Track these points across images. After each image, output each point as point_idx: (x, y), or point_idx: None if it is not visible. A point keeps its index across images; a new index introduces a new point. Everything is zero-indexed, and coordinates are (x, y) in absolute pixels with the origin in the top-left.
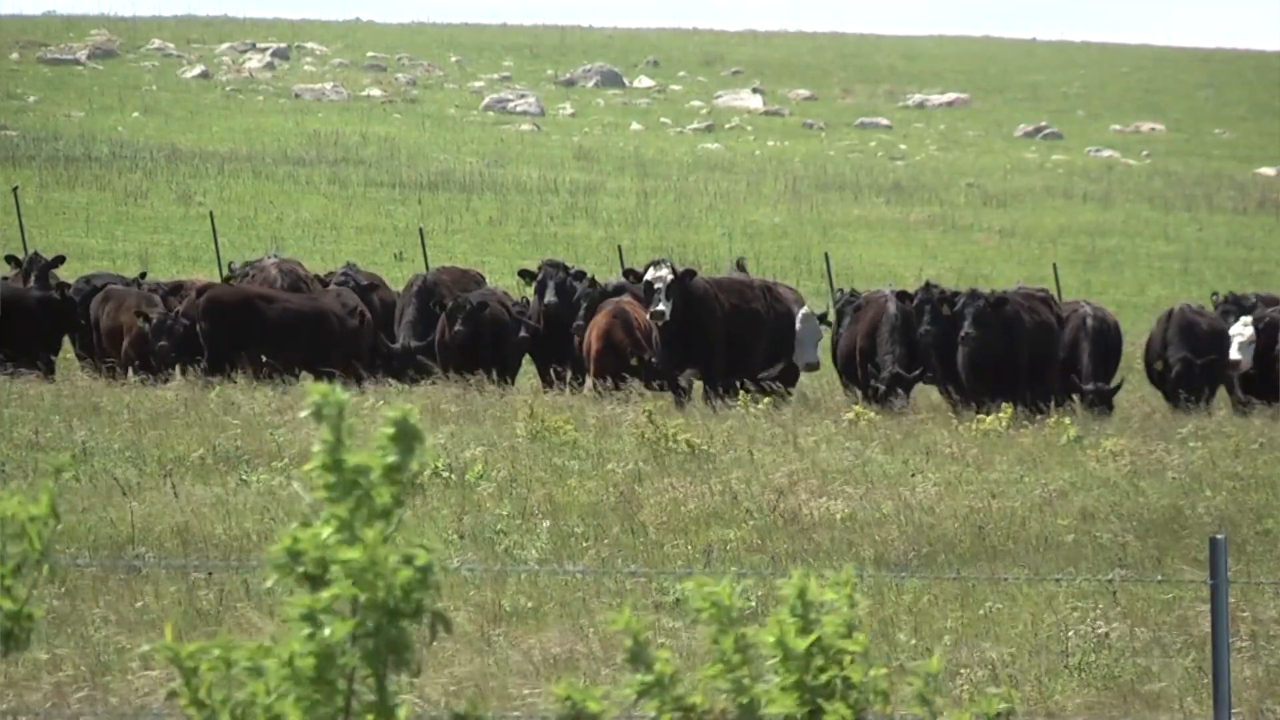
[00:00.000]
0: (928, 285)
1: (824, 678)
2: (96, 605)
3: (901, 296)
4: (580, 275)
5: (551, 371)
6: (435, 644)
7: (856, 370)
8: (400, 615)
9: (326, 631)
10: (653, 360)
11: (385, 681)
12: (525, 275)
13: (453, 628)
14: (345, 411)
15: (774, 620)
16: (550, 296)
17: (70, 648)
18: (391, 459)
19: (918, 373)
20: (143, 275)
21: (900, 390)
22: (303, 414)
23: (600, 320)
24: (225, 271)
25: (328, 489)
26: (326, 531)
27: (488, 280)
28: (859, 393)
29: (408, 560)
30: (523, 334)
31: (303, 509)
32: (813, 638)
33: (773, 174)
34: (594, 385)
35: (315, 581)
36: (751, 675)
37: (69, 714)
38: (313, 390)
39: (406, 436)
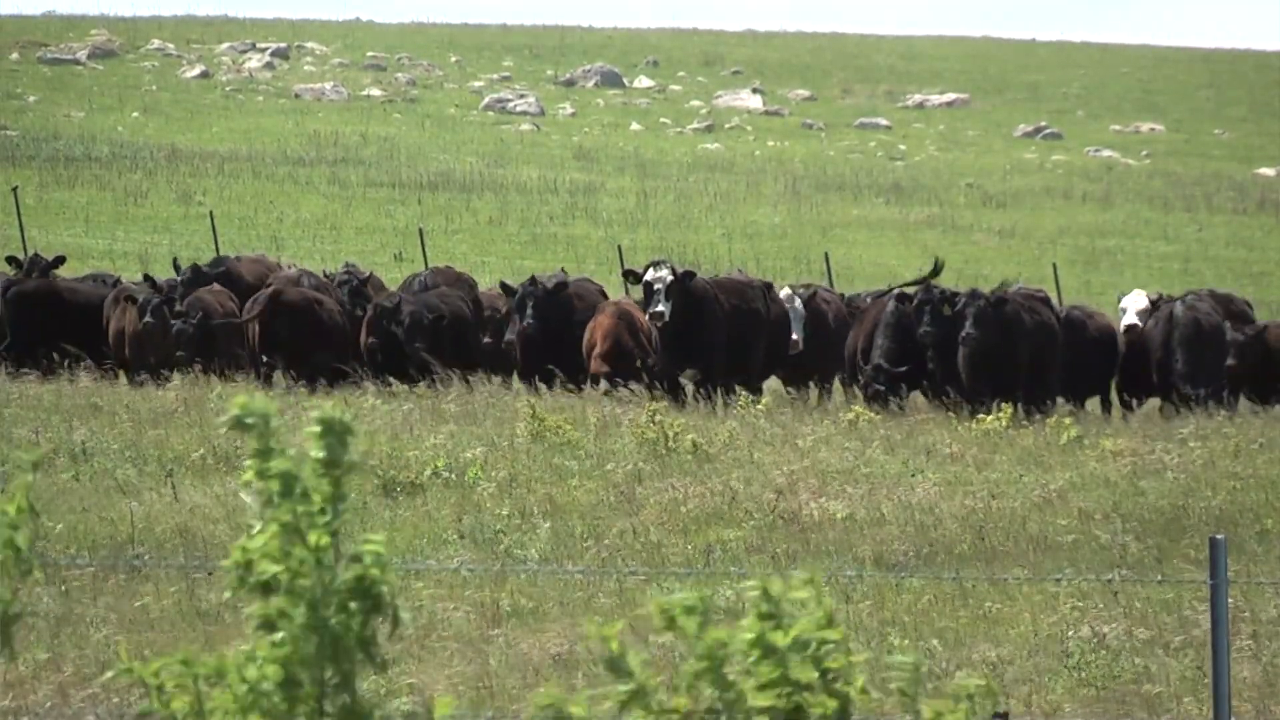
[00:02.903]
0: (928, 286)
1: (806, 671)
2: (96, 605)
3: (901, 298)
4: (562, 285)
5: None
6: (435, 643)
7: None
8: (352, 615)
9: (278, 637)
10: (653, 366)
11: (353, 682)
12: (506, 289)
13: (404, 621)
14: (270, 418)
15: (751, 619)
16: (528, 319)
17: (70, 648)
18: (321, 455)
19: (903, 369)
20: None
21: (885, 383)
22: (222, 429)
23: (603, 321)
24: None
25: (264, 496)
26: (260, 541)
27: (487, 280)
28: (860, 394)
29: (355, 558)
30: (486, 339)
31: (247, 519)
32: (794, 632)
33: (772, 174)
34: (595, 384)
35: (269, 589)
36: (732, 674)
37: (70, 714)
38: (233, 402)
39: (334, 431)
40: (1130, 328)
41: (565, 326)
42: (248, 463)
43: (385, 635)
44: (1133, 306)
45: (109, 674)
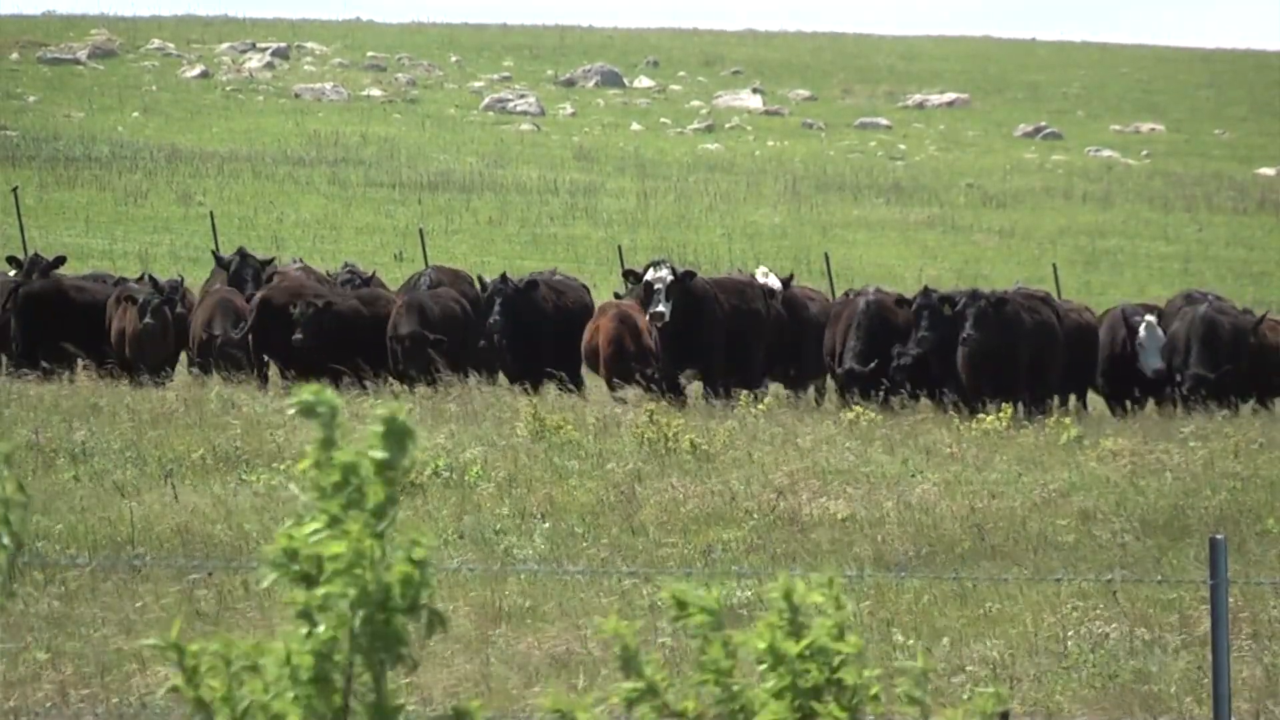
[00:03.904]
0: (926, 290)
1: (816, 680)
2: (95, 605)
3: (901, 302)
4: (533, 285)
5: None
6: (435, 644)
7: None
8: (396, 611)
9: (321, 629)
10: (653, 374)
11: (383, 678)
12: (483, 286)
13: (449, 625)
14: (337, 410)
15: (764, 624)
16: (495, 317)
17: (70, 648)
18: (383, 456)
19: (873, 367)
20: (147, 275)
21: (857, 386)
22: (290, 411)
23: (607, 324)
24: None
25: (319, 488)
26: (315, 526)
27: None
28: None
29: (404, 556)
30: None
31: (297, 508)
32: (806, 641)
33: (773, 174)
34: (608, 386)
35: (310, 580)
36: (741, 680)
37: (69, 714)
38: (303, 389)
39: (397, 434)
40: (1158, 371)
41: (540, 324)
42: (308, 449)
43: (422, 636)
44: (1152, 346)
45: (150, 640)
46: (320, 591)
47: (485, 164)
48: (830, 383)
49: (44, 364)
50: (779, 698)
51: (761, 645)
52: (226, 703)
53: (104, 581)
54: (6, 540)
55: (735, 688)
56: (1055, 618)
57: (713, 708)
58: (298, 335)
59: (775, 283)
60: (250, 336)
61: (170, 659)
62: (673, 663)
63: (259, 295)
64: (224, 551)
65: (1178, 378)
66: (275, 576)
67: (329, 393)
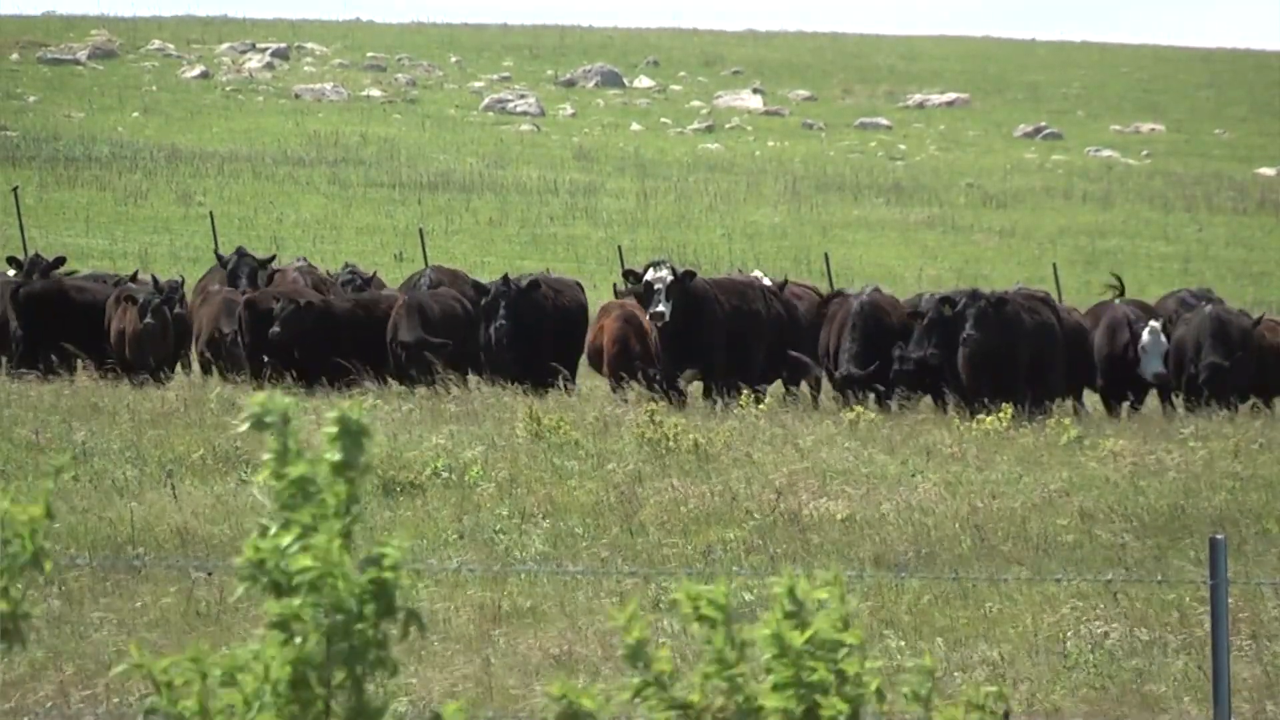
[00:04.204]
0: (938, 304)
1: (820, 673)
2: (95, 606)
3: (914, 315)
4: (534, 285)
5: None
6: (435, 643)
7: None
8: (369, 617)
9: (298, 640)
10: (655, 375)
11: (363, 684)
12: (479, 289)
13: (425, 625)
14: (289, 417)
15: (770, 617)
16: (500, 320)
17: (70, 648)
18: (338, 458)
19: (872, 369)
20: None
21: (855, 388)
22: (241, 426)
23: (611, 324)
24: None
25: (281, 497)
26: (285, 540)
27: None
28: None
29: (373, 560)
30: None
31: (261, 518)
32: (809, 632)
33: (773, 174)
34: (610, 387)
35: (282, 589)
36: (748, 673)
37: (69, 714)
38: (252, 400)
39: (351, 433)
40: (1158, 375)
41: (541, 323)
42: (265, 459)
43: (400, 638)
44: (1155, 351)
45: (119, 667)
46: (295, 603)
47: (485, 164)
48: (828, 383)
49: (53, 360)
50: (783, 689)
51: (767, 633)
52: (203, 716)
53: (104, 581)
54: (45, 565)
55: (740, 679)
56: (1055, 618)
57: (718, 699)
58: (274, 329)
59: (767, 281)
60: (241, 339)
61: (143, 678)
62: (675, 661)
63: (245, 298)
64: (224, 551)
65: (1191, 369)
66: (245, 588)
67: (278, 399)
